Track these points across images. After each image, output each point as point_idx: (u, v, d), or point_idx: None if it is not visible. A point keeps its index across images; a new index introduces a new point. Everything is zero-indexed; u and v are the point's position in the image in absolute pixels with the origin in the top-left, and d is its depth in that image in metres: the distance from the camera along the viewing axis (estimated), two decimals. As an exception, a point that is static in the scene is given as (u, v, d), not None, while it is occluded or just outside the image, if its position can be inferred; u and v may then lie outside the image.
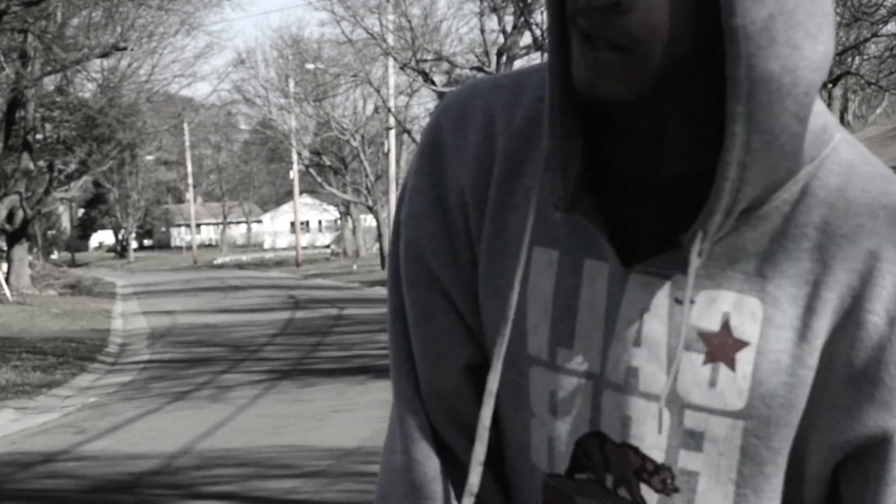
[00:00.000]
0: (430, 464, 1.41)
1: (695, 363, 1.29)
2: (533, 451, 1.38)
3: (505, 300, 1.36)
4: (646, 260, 1.31)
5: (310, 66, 58.73)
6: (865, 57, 32.73)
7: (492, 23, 43.24)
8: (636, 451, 1.32)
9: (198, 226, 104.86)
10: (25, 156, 37.54)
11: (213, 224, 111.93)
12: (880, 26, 28.96)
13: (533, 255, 1.35)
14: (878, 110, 59.76)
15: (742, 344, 1.29)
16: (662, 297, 1.30)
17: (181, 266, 76.18)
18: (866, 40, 30.45)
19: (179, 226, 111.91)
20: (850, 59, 32.01)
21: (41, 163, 42.06)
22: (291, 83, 61.98)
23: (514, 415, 1.39)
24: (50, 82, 40.05)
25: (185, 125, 73.36)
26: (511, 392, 1.39)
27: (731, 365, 1.29)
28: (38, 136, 41.13)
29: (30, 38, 33.67)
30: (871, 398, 1.29)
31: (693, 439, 1.31)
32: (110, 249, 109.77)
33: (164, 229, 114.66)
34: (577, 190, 1.31)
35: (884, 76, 31.81)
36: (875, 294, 1.27)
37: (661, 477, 1.32)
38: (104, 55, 35.36)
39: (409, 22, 40.62)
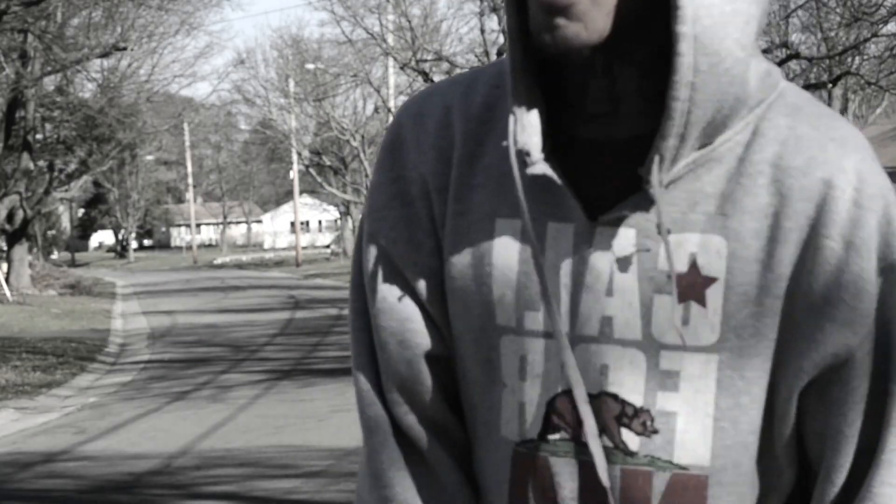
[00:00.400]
0: (386, 452, 1.53)
1: (668, 304, 1.35)
2: (503, 424, 1.42)
3: (476, 276, 1.41)
4: (610, 210, 1.36)
5: (310, 66, 58.73)
6: (865, 57, 32.72)
7: (492, 23, 43.19)
8: (615, 397, 1.36)
9: (198, 226, 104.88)
10: (25, 156, 37.53)
11: (213, 224, 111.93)
12: (880, 26, 28.95)
13: (496, 228, 1.41)
14: (878, 110, 59.74)
15: (711, 280, 1.35)
16: (629, 247, 1.36)
17: (181, 266, 76.17)
18: (866, 40, 30.42)
19: (179, 226, 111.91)
20: (850, 59, 31.99)
21: (41, 163, 42.06)
22: (291, 83, 61.98)
23: (488, 394, 1.43)
24: (50, 82, 40.04)
25: (185, 125, 73.35)
26: (484, 370, 1.43)
27: (702, 301, 1.35)
28: (38, 136, 41.12)
29: (30, 38, 33.66)
30: (833, 318, 1.34)
31: (670, 379, 1.35)
32: (110, 249, 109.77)
33: (164, 229, 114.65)
34: (542, 149, 1.37)
35: (884, 76, 31.81)
36: (830, 220, 1.35)
37: (641, 420, 1.36)
38: (104, 55, 35.35)
39: (409, 22, 40.62)
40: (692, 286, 1.35)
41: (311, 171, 64.49)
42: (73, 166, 44.20)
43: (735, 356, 1.36)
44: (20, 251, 39.44)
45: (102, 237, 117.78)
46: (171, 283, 50.48)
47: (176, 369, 17.22)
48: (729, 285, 1.35)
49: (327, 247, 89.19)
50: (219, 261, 78.98)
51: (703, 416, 1.37)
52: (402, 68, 41.44)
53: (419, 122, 1.47)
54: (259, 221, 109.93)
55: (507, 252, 1.40)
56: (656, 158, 1.32)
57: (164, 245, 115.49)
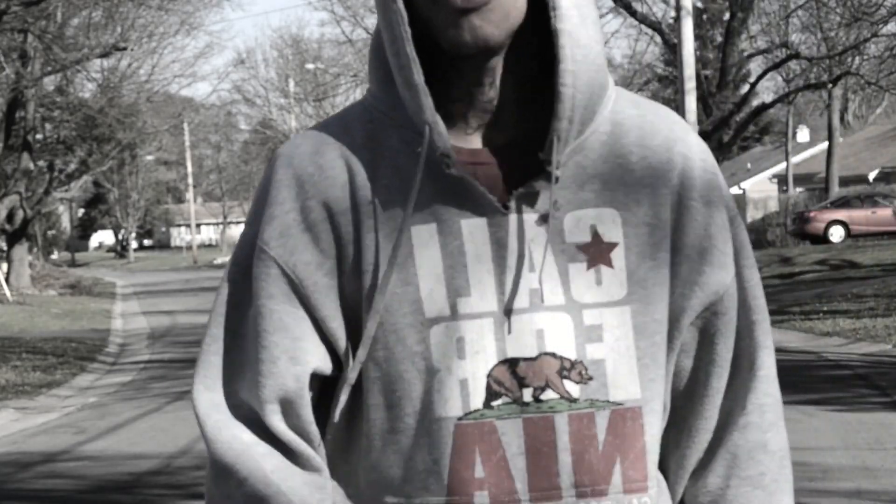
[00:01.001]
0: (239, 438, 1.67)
1: (581, 271, 1.61)
2: (440, 405, 1.60)
3: (401, 279, 1.61)
4: (515, 197, 1.60)
5: (310, 66, 58.74)
6: (865, 57, 32.70)
7: (492, 23, 43.28)
8: (553, 355, 1.60)
9: (198, 226, 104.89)
10: (25, 156, 37.54)
11: (213, 224, 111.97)
12: (880, 26, 28.95)
13: (413, 234, 1.61)
14: (878, 110, 59.71)
15: (612, 245, 1.62)
16: (538, 227, 1.61)
17: (181, 266, 76.19)
18: (866, 40, 30.43)
19: (179, 226, 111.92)
20: (850, 59, 31.98)
21: (41, 163, 42.06)
22: (291, 83, 62.00)
23: (417, 384, 1.61)
24: (50, 82, 40.04)
25: (185, 125, 73.35)
26: (413, 363, 1.61)
27: (609, 263, 1.62)
28: (38, 136, 41.12)
29: (30, 38, 33.66)
30: (711, 263, 1.67)
31: (595, 332, 1.61)
32: (110, 249, 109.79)
33: (164, 229, 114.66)
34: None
35: (884, 76, 31.79)
36: (692, 185, 1.66)
37: (577, 370, 1.61)
38: (104, 55, 35.35)
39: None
40: (598, 252, 1.62)
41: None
42: (73, 166, 44.19)
43: (644, 304, 1.63)
44: (20, 251, 39.45)
45: (102, 237, 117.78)
46: (171, 283, 50.48)
47: (176, 369, 17.22)
48: (627, 247, 1.63)
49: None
50: (219, 261, 78.97)
51: (627, 357, 1.62)
52: (402, 68, 41.41)
53: (313, 159, 1.65)
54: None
55: (429, 252, 1.60)
56: (555, 139, 1.58)
57: (164, 245, 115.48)
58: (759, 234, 44.37)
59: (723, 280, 1.68)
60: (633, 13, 32.01)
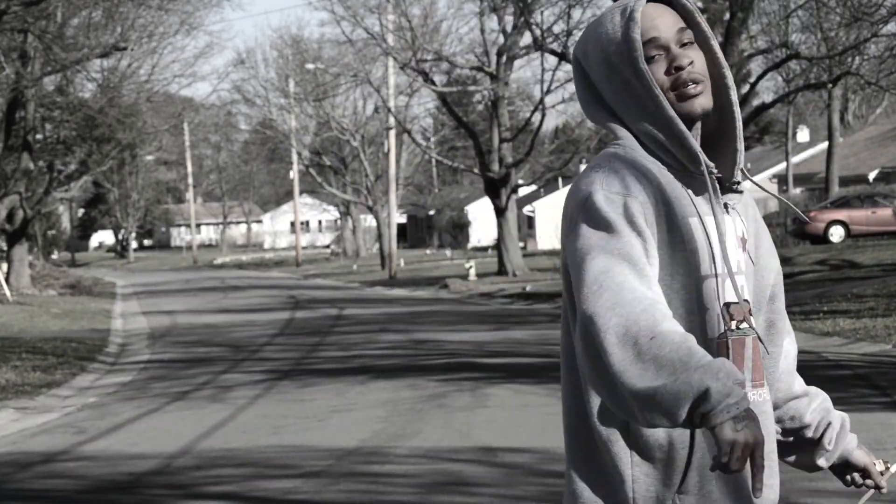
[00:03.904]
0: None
1: (741, 252, 2.69)
2: (709, 329, 2.61)
3: (693, 249, 2.60)
4: (723, 204, 2.68)
5: (310, 66, 58.69)
6: (865, 57, 32.68)
7: (492, 23, 43.18)
8: (747, 301, 2.66)
9: (198, 226, 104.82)
10: (25, 156, 37.52)
11: (213, 224, 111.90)
12: (880, 26, 28.93)
13: (689, 220, 2.60)
14: (878, 110, 59.67)
15: (746, 239, 2.72)
16: (730, 222, 2.68)
17: (181, 266, 76.18)
18: (866, 40, 30.40)
19: (179, 226, 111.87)
20: (850, 59, 31.96)
21: (41, 163, 42.03)
22: (291, 83, 61.95)
23: (696, 315, 2.60)
24: (50, 82, 40.02)
25: (185, 125, 73.34)
26: (695, 302, 2.60)
27: (745, 248, 2.71)
28: (38, 136, 41.10)
29: (30, 38, 33.65)
30: (774, 254, 2.86)
31: (744, 290, 2.67)
32: (110, 249, 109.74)
33: (164, 229, 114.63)
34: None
35: (884, 76, 31.76)
36: (759, 214, 2.83)
37: (751, 311, 2.66)
38: (104, 55, 35.34)
39: (409, 22, 40.60)
40: (743, 242, 2.71)
41: (311, 171, 64.44)
42: (73, 166, 44.16)
43: (750, 275, 2.72)
44: (20, 251, 39.44)
45: (102, 237, 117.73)
46: (171, 283, 50.48)
47: (176, 369, 17.22)
48: (749, 241, 2.73)
49: (327, 247, 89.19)
50: (219, 261, 78.98)
51: (755, 304, 2.74)
52: (402, 68, 41.40)
53: (630, 189, 2.60)
54: (259, 221, 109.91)
55: (699, 233, 2.61)
56: (740, 166, 2.73)
57: (164, 245, 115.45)
58: (759, 234, 44.33)
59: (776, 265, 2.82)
60: (633, 13, 31.97)
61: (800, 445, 2.91)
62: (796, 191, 50.71)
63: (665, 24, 2.63)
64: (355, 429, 10.88)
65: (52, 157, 42.02)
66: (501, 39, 41.54)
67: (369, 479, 8.68)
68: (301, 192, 76.91)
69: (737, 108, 2.66)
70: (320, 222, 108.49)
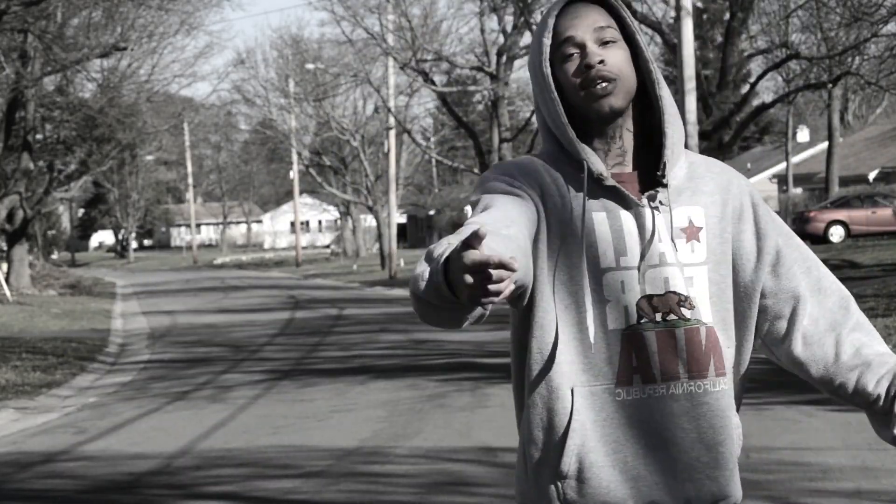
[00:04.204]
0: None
1: (683, 243, 2.68)
2: (610, 321, 2.62)
3: (591, 243, 2.64)
4: (647, 199, 2.67)
5: (310, 66, 58.65)
6: (865, 57, 32.67)
7: (492, 23, 43.19)
8: (675, 292, 2.64)
9: (198, 226, 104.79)
10: (25, 156, 37.51)
11: (213, 224, 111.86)
12: (880, 26, 28.91)
13: (593, 215, 2.64)
14: (878, 110, 59.65)
15: (699, 228, 2.70)
16: (659, 217, 2.67)
17: (181, 266, 76.17)
18: (866, 40, 30.40)
19: (179, 226, 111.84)
20: (850, 59, 31.95)
21: (41, 163, 42.02)
22: (291, 83, 61.92)
23: (602, 307, 2.62)
24: (50, 82, 40.01)
25: (185, 125, 73.30)
26: (599, 292, 2.63)
27: (698, 239, 2.69)
28: (38, 136, 41.08)
29: (30, 38, 33.64)
30: (756, 232, 2.75)
31: (691, 281, 2.67)
32: (110, 249, 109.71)
33: (164, 229, 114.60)
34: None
35: (884, 76, 31.75)
36: (745, 194, 2.77)
37: (689, 302, 2.65)
38: (104, 55, 35.33)
39: (409, 22, 40.59)
40: (692, 232, 2.69)
41: (311, 171, 64.42)
42: (73, 166, 44.14)
43: (716, 263, 2.71)
44: (20, 251, 39.43)
45: (102, 237, 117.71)
46: (171, 283, 50.48)
47: (176, 369, 17.22)
48: (708, 230, 2.71)
49: (327, 247, 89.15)
50: (219, 261, 78.97)
51: (706, 296, 2.68)
52: (402, 68, 41.39)
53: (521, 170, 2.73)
54: (259, 221, 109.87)
55: (602, 228, 2.64)
56: (666, 163, 2.69)
57: (164, 245, 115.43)
58: (759, 234, 44.34)
59: (774, 241, 2.77)
60: (633, 13, 32.00)
61: (877, 419, 2.89)
62: (796, 191, 50.71)
63: (584, 22, 2.66)
64: (355, 429, 10.88)
65: (52, 157, 42.00)
66: (501, 39, 41.55)
67: (369, 479, 8.68)
68: (301, 192, 76.89)
69: (665, 104, 2.68)
70: (320, 222, 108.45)
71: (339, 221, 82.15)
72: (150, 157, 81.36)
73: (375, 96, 54.00)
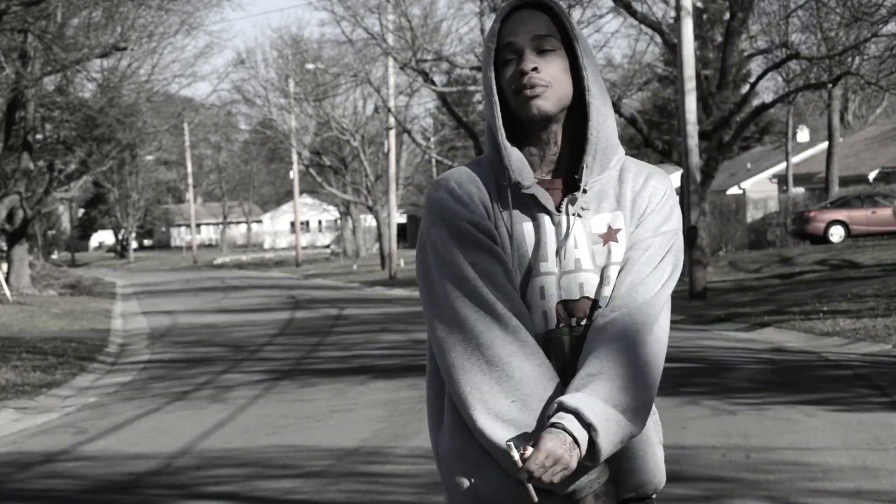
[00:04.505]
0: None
1: (600, 248, 2.79)
2: (536, 324, 2.75)
3: (516, 248, 2.77)
4: (564, 206, 2.78)
5: (310, 66, 58.64)
6: (865, 57, 32.66)
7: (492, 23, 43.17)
8: (588, 297, 2.77)
9: (198, 226, 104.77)
10: (25, 156, 37.50)
11: (213, 224, 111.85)
12: (880, 26, 28.91)
13: (522, 225, 2.78)
14: (878, 110, 59.64)
15: (618, 230, 2.80)
16: (578, 223, 2.78)
17: (181, 266, 76.16)
18: (866, 40, 30.39)
19: (179, 226, 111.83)
20: (850, 59, 31.94)
21: (41, 163, 42.01)
22: (291, 83, 61.91)
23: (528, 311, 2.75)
24: (50, 82, 39.99)
25: (185, 125, 73.29)
26: (523, 297, 2.76)
27: (616, 240, 2.80)
28: (38, 136, 41.07)
29: (30, 38, 33.63)
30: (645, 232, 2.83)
31: (605, 280, 2.78)
32: (110, 249, 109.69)
33: (164, 229, 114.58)
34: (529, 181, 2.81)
35: (884, 76, 31.75)
36: (655, 199, 2.84)
37: (597, 305, 2.75)
38: (104, 55, 35.33)
39: (409, 22, 40.57)
40: (610, 235, 2.79)
41: (311, 171, 64.41)
42: (73, 166, 44.14)
43: (628, 264, 2.79)
44: (20, 251, 39.42)
45: (102, 237, 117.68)
46: (171, 283, 50.47)
47: (176, 369, 17.22)
48: (626, 232, 2.81)
49: (327, 247, 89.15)
50: (219, 261, 78.96)
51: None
52: (402, 68, 41.37)
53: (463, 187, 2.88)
54: (259, 221, 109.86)
55: (527, 235, 2.77)
56: (585, 167, 2.79)
57: (164, 245, 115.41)
58: (759, 234, 44.33)
59: (649, 238, 2.90)
60: (633, 13, 31.99)
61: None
62: (796, 191, 50.70)
63: (525, 29, 2.76)
64: (355, 429, 10.88)
65: (52, 157, 41.99)
66: (501, 39, 41.44)
67: (369, 479, 8.68)
68: (301, 192, 76.87)
69: (592, 112, 2.77)
70: (320, 222, 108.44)
71: (339, 221, 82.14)
72: (150, 157, 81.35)
73: (375, 96, 54.01)
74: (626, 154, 2.90)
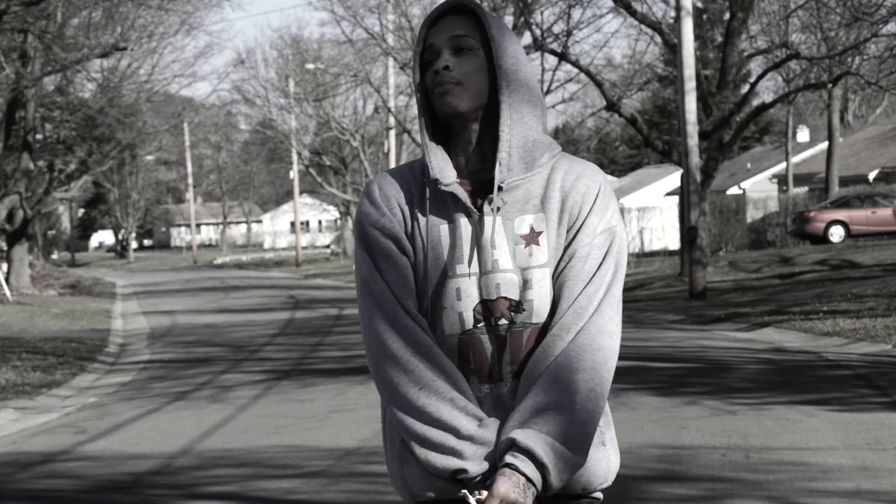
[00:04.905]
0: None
1: (522, 249, 2.79)
2: (446, 327, 2.80)
3: (433, 249, 2.81)
4: (483, 205, 2.79)
5: (310, 66, 58.65)
6: (865, 57, 32.67)
7: (492, 23, 43.16)
8: (506, 298, 2.78)
9: (198, 226, 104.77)
10: (25, 156, 37.50)
11: (213, 224, 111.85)
12: (880, 26, 28.92)
13: (440, 226, 2.81)
14: (878, 110, 59.67)
15: (539, 233, 2.80)
16: (498, 221, 2.78)
17: (181, 266, 76.16)
18: (866, 40, 30.39)
19: (179, 226, 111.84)
20: (850, 59, 31.95)
21: (41, 163, 42.01)
22: (291, 83, 61.92)
23: (439, 314, 2.80)
24: (50, 82, 40.00)
25: (185, 125, 73.29)
26: (437, 300, 2.80)
27: (538, 243, 2.80)
28: (38, 136, 41.08)
29: (30, 38, 33.64)
30: (575, 249, 2.81)
31: (528, 283, 2.78)
32: (110, 249, 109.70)
33: (164, 229, 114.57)
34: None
35: (884, 76, 31.75)
36: (589, 202, 2.81)
37: (518, 306, 2.78)
38: (104, 55, 35.33)
39: (409, 22, 40.58)
40: (532, 238, 2.79)
41: (311, 171, 64.43)
42: (73, 166, 44.14)
43: (552, 266, 2.79)
44: (20, 251, 39.42)
45: (102, 237, 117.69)
46: (171, 283, 50.47)
47: (176, 369, 17.22)
48: (548, 235, 2.80)
49: (327, 247, 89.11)
50: (219, 261, 78.95)
51: (544, 297, 2.79)
52: (402, 68, 41.39)
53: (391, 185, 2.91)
54: (259, 221, 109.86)
55: (443, 237, 2.80)
56: (498, 165, 2.78)
57: (164, 245, 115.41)
58: (759, 234, 44.33)
59: (581, 250, 2.85)
60: (633, 13, 31.99)
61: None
62: (796, 191, 50.71)
63: (444, 30, 2.84)
64: (355, 429, 10.88)
65: (52, 157, 42.00)
66: (501, 39, 41.44)
67: (369, 479, 8.68)
68: (301, 192, 76.86)
69: (504, 108, 2.79)
70: (320, 222, 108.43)
71: (339, 221, 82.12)
72: (150, 157, 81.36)
73: (375, 96, 54.02)
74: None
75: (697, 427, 9.92)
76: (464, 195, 2.78)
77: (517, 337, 2.77)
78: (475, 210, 2.77)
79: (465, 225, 2.77)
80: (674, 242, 48.85)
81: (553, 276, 2.79)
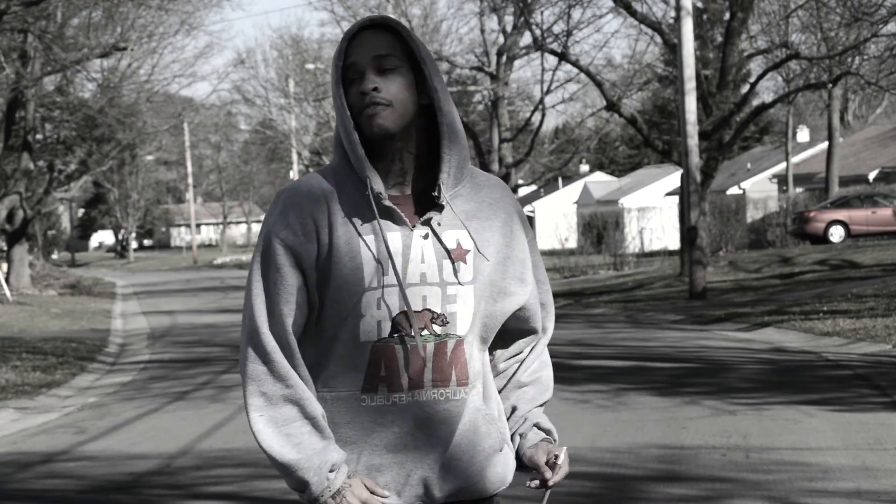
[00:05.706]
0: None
1: (448, 265, 2.88)
2: (363, 334, 2.87)
3: (351, 261, 2.86)
4: (417, 222, 2.88)
5: (310, 66, 58.66)
6: (865, 57, 32.67)
7: (492, 23, 43.15)
8: (430, 310, 2.88)
9: (198, 226, 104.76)
10: (25, 156, 37.51)
11: (213, 224, 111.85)
12: (880, 26, 28.92)
13: (364, 239, 2.86)
14: (878, 110, 59.67)
15: (467, 251, 2.89)
16: (428, 238, 2.87)
17: (181, 266, 76.15)
18: (866, 40, 30.39)
19: (179, 226, 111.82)
20: (850, 59, 31.95)
21: (41, 163, 42.02)
22: (291, 83, 61.92)
23: (357, 320, 2.87)
24: (50, 82, 40.00)
25: (185, 125, 73.28)
26: (352, 311, 2.87)
27: (464, 260, 2.89)
28: (38, 136, 41.08)
29: (30, 38, 33.64)
30: (525, 280, 3.00)
31: (452, 298, 2.89)
32: (110, 249, 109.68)
33: (164, 229, 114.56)
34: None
35: (884, 76, 31.75)
36: (516, 220, 3.00)
37: (441, 319, 2.88)
38: (104, 55, 35.32)
39: (409, 22, 40.59)
40: (459, 254, 2.89)
41: (311, 170, 64.35)
42: (73, 166, 44.14)
43: (481, 285, 2.91)
44: (20, 251, 39.42)
45: (102, 237, 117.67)
46: (171, 283, 50.47)
47: (176, 369, 17.22)
48: (475, 253, 2.90)
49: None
50: (219, 261, 78.93)
51: (468, 312, 2.90)
52: (402, 68, 41.31)
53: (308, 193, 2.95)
54: (259, 221, 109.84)
55: (368, 249, 2.85)
56: (441, 185, 2.88)
57: (164, 245, 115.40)
58: (759, 234, 44.34)
59: (525, 295, 3.01)
60: (633, 13, 31.99)
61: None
62: (797, 191, 50.72)
63: (366, 49, 2.86)
64: (355, 429, 10.85)
65: (52, 157, 42.00)
66: (501, 39, 41.53)
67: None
68: (301, 192, 76.58)
69: (445, 128, 2.87)
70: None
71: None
72: (150, 157, 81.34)
73: (375, 96, 53.88)
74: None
75: (697, 427, 9.92)
76: (395, 211, 2.85)
77: (441, 348, 2.87)
78: (408, 224, 2.85)
79: (393, 238, 2.84)
80: (674, 242, 48.86)
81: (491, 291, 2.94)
